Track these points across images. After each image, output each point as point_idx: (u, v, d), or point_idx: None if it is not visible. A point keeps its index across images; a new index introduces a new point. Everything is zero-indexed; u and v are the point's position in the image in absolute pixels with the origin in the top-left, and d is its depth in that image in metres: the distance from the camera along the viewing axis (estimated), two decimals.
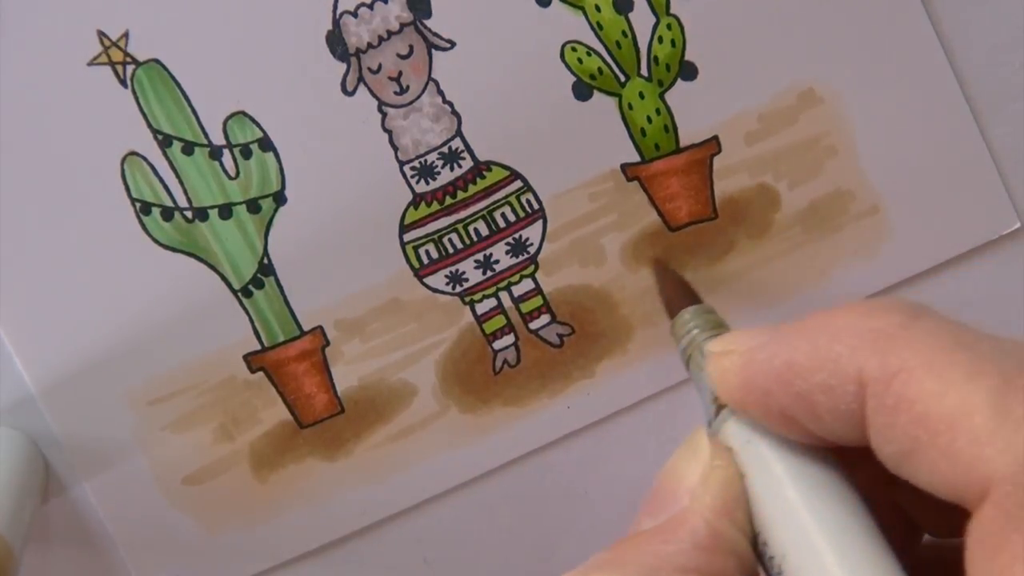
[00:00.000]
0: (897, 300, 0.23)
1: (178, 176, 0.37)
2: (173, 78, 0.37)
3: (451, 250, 0.38)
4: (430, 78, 0.37)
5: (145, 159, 0.37)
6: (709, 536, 0.24)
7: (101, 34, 0.37)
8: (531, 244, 0.38)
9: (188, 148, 0.37)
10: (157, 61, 0.37)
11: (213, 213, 0.37)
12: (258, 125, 0.37)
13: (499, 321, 0.38)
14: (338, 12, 0.37)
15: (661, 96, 0.37)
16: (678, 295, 0.35)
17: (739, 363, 0.25)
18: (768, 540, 0.24)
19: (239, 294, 0.38)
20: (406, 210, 0.38)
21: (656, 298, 0.38)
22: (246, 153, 0.37)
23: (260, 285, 0.38)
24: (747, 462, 0.25)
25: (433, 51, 0.37)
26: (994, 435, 0.19)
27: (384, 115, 0.37)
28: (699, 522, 0.24)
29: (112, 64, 0.37)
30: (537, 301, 0.38)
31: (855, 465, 0.24)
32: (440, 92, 0.37)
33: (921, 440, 0.20)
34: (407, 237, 0.38)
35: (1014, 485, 0.18)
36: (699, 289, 0.37)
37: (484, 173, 0.38)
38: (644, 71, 0.37)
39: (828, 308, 0.23)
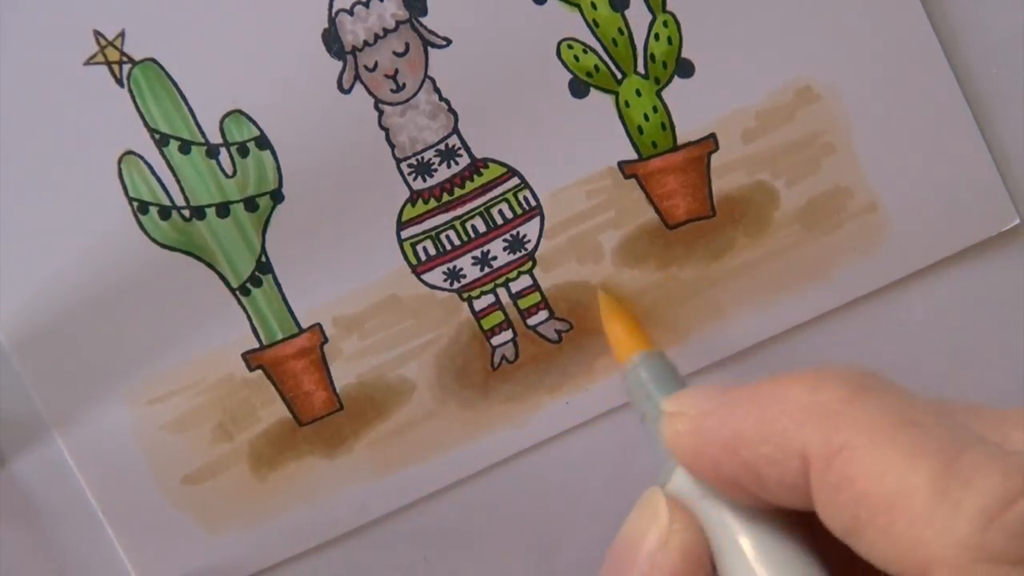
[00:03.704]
0: (846, 370, 0.23)
1: (175, 175, 0.37)
2: (169, 77, 0.37)
3: (449, 247, 0.38)
4: (426, 75, 0.37)
5: (142, 158, 0.37)
6: None
7: (97, 34, 0.37)
8: (529, 241, 0.38)
9: (185, 147, 0.37)
10: (153, 60, 0.37)
11: (210, 212, 0.37)
12: (255, 123, 0.37)
13: (497, 317, 0.38)
14: (334, 10, 0.36)
15: (658, 93, 0.37)
16: (628, 337, 0.35)
17: (690, 427, 0.24)
18: None
19: (237, 292, 0.38)
20: (403, 207, 0.38)
21: (654, 296, 0.38)
22: (243, 151, 0.37)
23: (258, 283, 0.38)
24: (704, 517, 0.25)
25: (429, 48, 0.37)
26: (932, 518, 0.19)
27: (380, 112, 0.37)
28: None
29: (108, 63, 0.37)
30: (535, 297, 0.38)
31: (813, 519, 0.24)
32: (436, 89, 0.37)
33: (862, 519, 0.20)
34: (404, 234, 0.38)
35: (952, 569, 0.18)
36: (698, 289, 0.38)
37: (481, 170, 0.37)
38: (641, 68, 0.37)
39: (781, 375, 0.23)
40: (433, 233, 0.38)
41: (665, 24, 0.37)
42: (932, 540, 0.19)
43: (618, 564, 0.25)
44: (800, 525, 0.24)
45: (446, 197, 0.38)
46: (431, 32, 0.37)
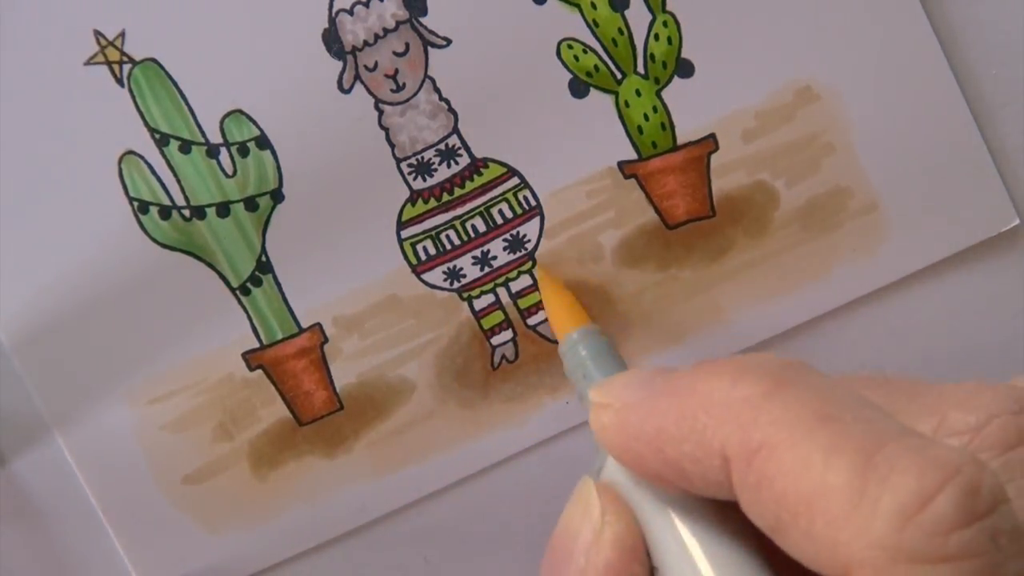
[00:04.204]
0: (767, 362, 0.22)
1: (175, 175, 0.37)
2: (170, 77, 0.37)
3: (449, 246, 0.38)
4: (426, 75, 0.37)
5: (142, 158, 0.37)
6: None
7: (97, 34, 0.37)
8: (529, 240, 0.38)
9: (185, 147, 0.37)
10: (154, 60, 0.37)
11: (211, 211, 0.37)
12: (255, 123, 0.37)
13: (497, 317, 0.38)
14: (334, 10, 0.36)
15: (658, 93, 0.37)
16: (567, 313, 0.35)
17: (614, 420, 0.24)
18: None
19: (237, 292, 0.38)
20: (403, 207, 0.38)
21: (654, 296, 0.38)
22: (243, 151, 0.37)
23: (258, 283, 0.38)
24: (638, 505, 0.24)
25: (429, 48, 0.37)
26: (850, 518, 0.18)
27: (381, 112, 0.37)
28: None
29: (108, 63, 0.37)
30: (535, 296, 0.38)
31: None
32: (436, 89, 0.37)
33: (783, 519, 0.20)
34: (405, 234, 0.38)
35: (872, 570, 0.18)
36: (697, 289, 0.38)
37: (481, 170, 0.37)
38: (640, 68, 0.37)
39: (705, 365, 0.23)
40: (433, 233, 0.38)
41: (665, 24, 0.37)
42: (851, 541, 0.18)
43: (557, 560, 0.25)
44: (734, 510, 0.23)
45: (446, 197, 0.38)
46: (431, 32, 0.37)
